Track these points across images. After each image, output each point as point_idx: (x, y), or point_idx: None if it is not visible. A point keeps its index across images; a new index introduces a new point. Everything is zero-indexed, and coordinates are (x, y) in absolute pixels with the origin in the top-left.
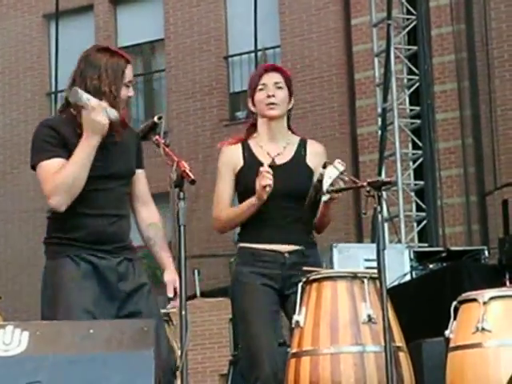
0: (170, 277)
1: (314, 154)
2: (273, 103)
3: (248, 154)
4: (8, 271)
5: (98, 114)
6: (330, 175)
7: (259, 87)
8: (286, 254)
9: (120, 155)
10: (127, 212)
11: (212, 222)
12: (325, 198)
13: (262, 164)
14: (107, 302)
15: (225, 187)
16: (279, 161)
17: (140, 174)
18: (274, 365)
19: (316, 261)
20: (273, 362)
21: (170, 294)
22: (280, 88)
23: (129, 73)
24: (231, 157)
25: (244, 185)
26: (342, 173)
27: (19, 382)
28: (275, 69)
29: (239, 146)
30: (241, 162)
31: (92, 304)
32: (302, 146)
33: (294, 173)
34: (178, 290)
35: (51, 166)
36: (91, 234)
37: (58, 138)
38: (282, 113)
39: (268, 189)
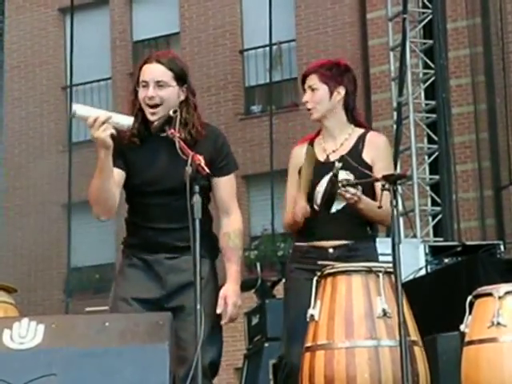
0: (224, 291)
1: (372, 147)
2: (308, 109)
3: None
4: (23, 264)
5: (95, 129)
6: (346, 176)
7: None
8: (330, 250)
9: (175, 169)
10: (185, 224)
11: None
12: (340, 191)
13: (319, 162)
14: (154, 291)
15: (290, 192)
16: (333, 157)
17: (219, 181)
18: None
19: (366, 254)
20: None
21: (219, 310)
22: (315, 90)
23: (144, 73)
24: (297, 158)
25: None
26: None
27: (34, 374)
28: (312, 70)
29: (305, 146)
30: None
31: (132, 293)
32: (362, 139)
33: (348, 168)
34: (228, 310)
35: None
36: (144, 242)
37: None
38: (320, 114)
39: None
